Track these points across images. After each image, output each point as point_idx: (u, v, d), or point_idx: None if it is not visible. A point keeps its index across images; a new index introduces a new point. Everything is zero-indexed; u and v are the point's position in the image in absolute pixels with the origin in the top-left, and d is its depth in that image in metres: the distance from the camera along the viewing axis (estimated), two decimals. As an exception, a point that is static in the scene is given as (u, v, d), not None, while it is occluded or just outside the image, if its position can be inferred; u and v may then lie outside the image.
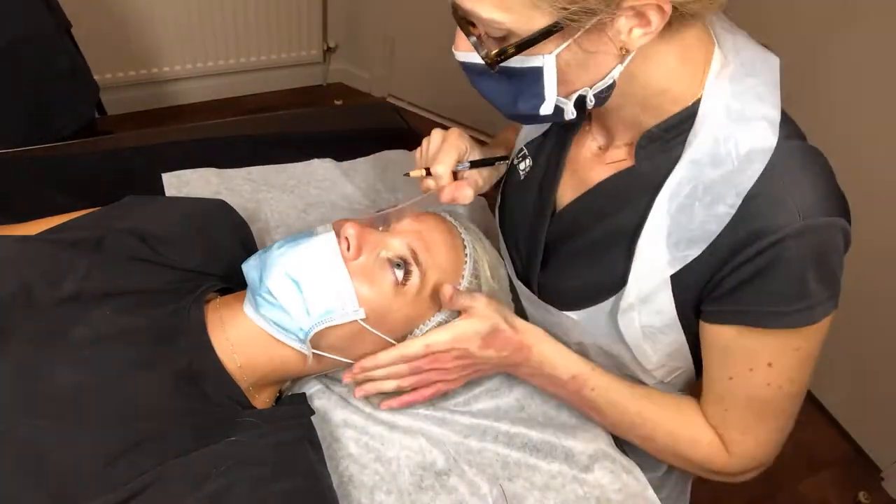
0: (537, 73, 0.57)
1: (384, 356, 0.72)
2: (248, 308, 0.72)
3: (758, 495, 1.80)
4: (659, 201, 0.63)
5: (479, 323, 0.70)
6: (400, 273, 0.71)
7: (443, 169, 0.76)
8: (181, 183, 1.08)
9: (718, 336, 0.67)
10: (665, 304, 0.67)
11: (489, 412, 0.83)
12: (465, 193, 0.77)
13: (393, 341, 0.73)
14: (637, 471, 0.79)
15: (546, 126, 0.81)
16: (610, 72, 0.59)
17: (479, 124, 2.79)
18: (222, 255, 0.83)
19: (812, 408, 1.97)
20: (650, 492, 0.78)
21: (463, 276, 0.75)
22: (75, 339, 0.66)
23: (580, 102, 0.61)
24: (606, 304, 0.72)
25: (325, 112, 2.00)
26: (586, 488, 0.76)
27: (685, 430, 0.72)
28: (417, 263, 0.72)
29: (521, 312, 0.83)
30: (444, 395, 0.81)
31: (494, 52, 0.56)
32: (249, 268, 0.73)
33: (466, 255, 0.77)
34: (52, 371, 0.63)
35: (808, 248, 0.59)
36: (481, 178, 0.83)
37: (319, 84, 3.02)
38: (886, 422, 1.81)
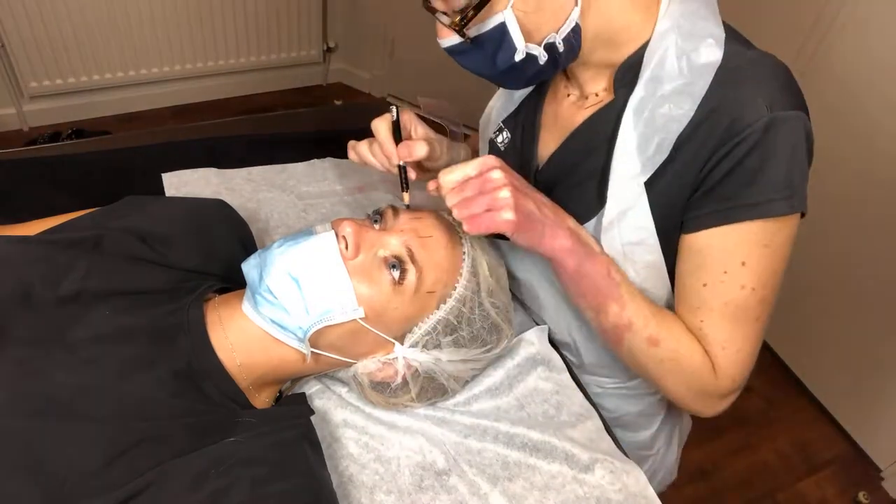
0: (502, 28, 0.65)
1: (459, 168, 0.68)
2: (247, 307, 0.72)
3: (758, 495, 1.80)
4: (625, 118, 0.69)
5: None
6: (397, 272, 0.71)
7: (380, 122, 0.83)
8: (181, 183, 1.08)
9: (693, 243, 0.70)
10: (643, 216, 0.71)
11: (489, 412, 0.83)
12: (419, 148, 0.80)
13: (392, 340, 0.73)
14: (637, 471, 0.79)
15: (519, 100, 0.88)
16: (570, 14, 0.66)
17: (477, 125, 2.79)
18: (222, 254, 0.84)
19: (812, 408, 1.97)
20: (650, 491, 0.78)
21: (461, 274, 0.75)
22: (74, 339, 0.66)
23: (552, 50, 0.68)
24: (590, 225, 0.75)
25: (325, 112, 2.00)
26: (586, 488, 0.76)
27: (686, 334, 0.73)
28: (414, 262, 0.71)
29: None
30: (444, 394, 0.81)
31: (458, 18, 0.65)
32: (249, 267, 0.73)
33: (464, 253, 0.77)
34: (51, 371, 0.63)
35: (779, 137, 0.63)
36: (437, 145, 0.86)
37: (319, 84, 3.03)
38: (886, 422, 1.81)
